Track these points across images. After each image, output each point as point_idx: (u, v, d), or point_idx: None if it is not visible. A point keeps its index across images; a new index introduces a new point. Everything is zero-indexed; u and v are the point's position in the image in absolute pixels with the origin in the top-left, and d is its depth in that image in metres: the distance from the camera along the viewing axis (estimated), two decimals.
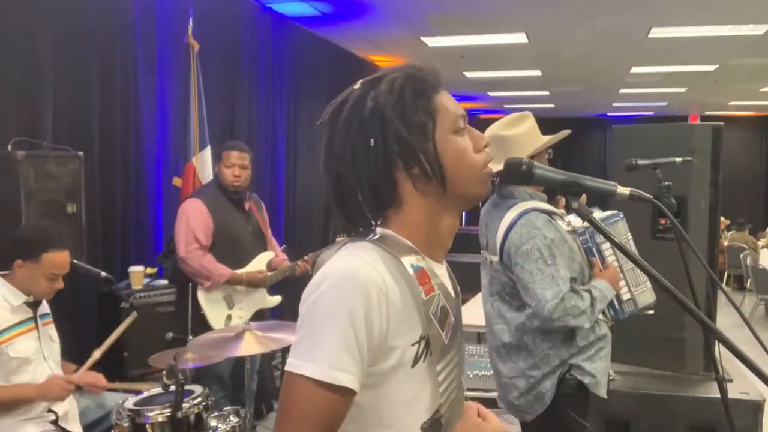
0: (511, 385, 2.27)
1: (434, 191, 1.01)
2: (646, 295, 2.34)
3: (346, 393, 0.91)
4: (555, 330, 2.15)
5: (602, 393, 2.23)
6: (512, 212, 2.18)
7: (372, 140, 0.98)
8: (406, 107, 0.99)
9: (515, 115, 2.33)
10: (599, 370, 2.21)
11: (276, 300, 3.51)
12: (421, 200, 1.02)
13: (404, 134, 0.98)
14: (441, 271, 1.06)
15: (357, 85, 1.04)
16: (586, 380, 2.18)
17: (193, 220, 3.16)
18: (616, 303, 2.29)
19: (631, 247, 2.34)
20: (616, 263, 2.28)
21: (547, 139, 2.30)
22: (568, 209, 2.33)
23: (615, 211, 2.39)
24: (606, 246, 2.29)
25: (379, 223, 1.05)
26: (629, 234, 2.39)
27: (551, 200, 2.37)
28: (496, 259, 2.23)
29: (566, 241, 2.18)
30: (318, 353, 0.90)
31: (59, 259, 2.43)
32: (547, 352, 2.19)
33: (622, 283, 2.29)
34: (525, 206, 2.18)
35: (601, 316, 2.26)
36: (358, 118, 1.00)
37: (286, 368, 0.93)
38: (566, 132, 2.36)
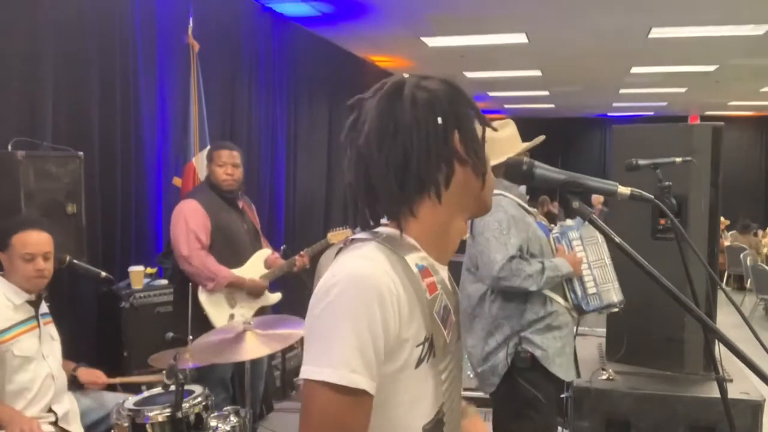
0: (472, 355, 2.51)
1: (473, 184, 1.04)
2: (611, 294, 2.53)
3: (365, 395, 0.90)
4: (509, 298, 2.40)
5: (557, 372, 2.43)
6: None
7: (440, 118, 1.00)
8: (470, 104, 1.04)
9: (501, 122, 2.57)
10: (551, 347, 2.42)
11: (276, 297, 3.52)
12: (462, 188, 1.03)
13: (481, 116, 1.04)
14: (443, 272, 1.06)
15: (406, 75, 1.05)
16: (537, 353, 2.40)
17: (191, 221, 3.16)
18: (578, 289, 2.50)
19: (604, 248, 2.56)
20: (585, 260, 2.51)
21: (526, 144, 2.55)
22: (567, 211, 2.41)
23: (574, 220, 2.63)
24: (576, 242, 2.53)
25: (389, 221, 1.04)
26: (599, 236, 2.57)
27: (533, 201, 2.55)
28: (468, 234, 2.51)
29: (530, 225, 2.45)
30: (335, 358, 0.89)
31: (28, 237, 2.40)
32: (500, 321, 2.44)
33: (589, 276, 2.50)
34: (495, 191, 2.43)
35: (562, 302, 2.48)
36: (422, 97, 1.00)
37: (302, 376, 0.92)
38: (541, 138, 2.63)
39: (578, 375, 2.63)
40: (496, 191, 2.39)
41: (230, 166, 3.28)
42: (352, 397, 0.89)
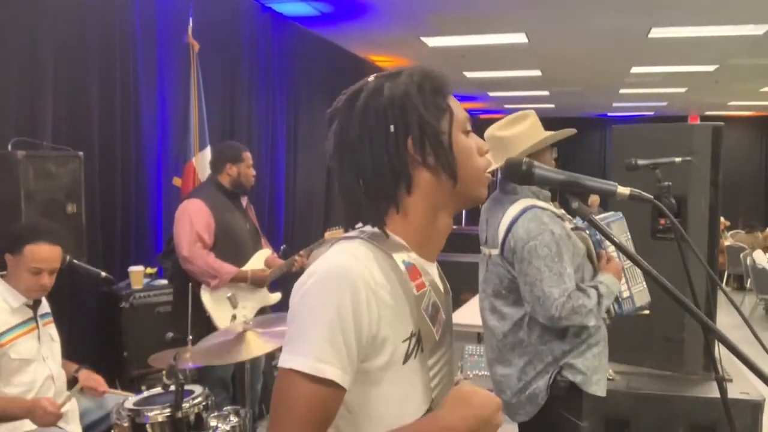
0: (504, 384, 2.27)
1: (442, 184, 1.02)
2: (642, 295, 2.35)
3: (333, 386, 0.91)
4: (553, 327, 2.13)
5: (594, 390, 2.20)
6: (515, 207, 2.18)
7: (392, 126, 1.00)
8: (426, 98, 1.02)
9: (515, 115, 2.32)
10: (591, 368, 2.20)
11: (277, 297, 3.54)
12: (429, 192, 1.03)
13: (427, 119, 1.00)
14: (432, 270, 1.07)
15: (371, 78, 1.06)
16: (578, 379, 2.17)
17: (196, 220, 3.17)
18: (619, 298, 2.29)
19: (630, 246, 2.32)
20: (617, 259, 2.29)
21: (545, 135, 2.28)
22: (567, 211, 2.32)
23: (614, 212, 2.40)
24: (607, 243, 2.28)
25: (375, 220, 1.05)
26: (628, 234, 2.40)
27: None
28: (495, 252, 2.22)
29: (570, 237, 2.18)
30: (305, 346, 0.91)
31: (40, 251, 2.38)
32: (540, 347, 2.18)
33: (622, 280, 2.28)
34: (528, 202, 2.18)
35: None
36: (375, 106, 1.01)
37: (278, 364, 0.95)
38: (569, 131, 2.34)
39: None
40: (530, 202, 2.18)
41: (251, 166, 3.41)
42: (320, 386, 0.90)
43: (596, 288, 2.12)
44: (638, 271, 2.35)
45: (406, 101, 1.00)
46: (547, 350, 2.18)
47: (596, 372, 2.23)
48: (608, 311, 2.27)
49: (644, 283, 2.36)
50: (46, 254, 2.40)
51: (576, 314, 2.05)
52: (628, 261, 2.28)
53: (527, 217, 2.12)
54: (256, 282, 3.35)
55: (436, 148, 1.01)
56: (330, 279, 0.93)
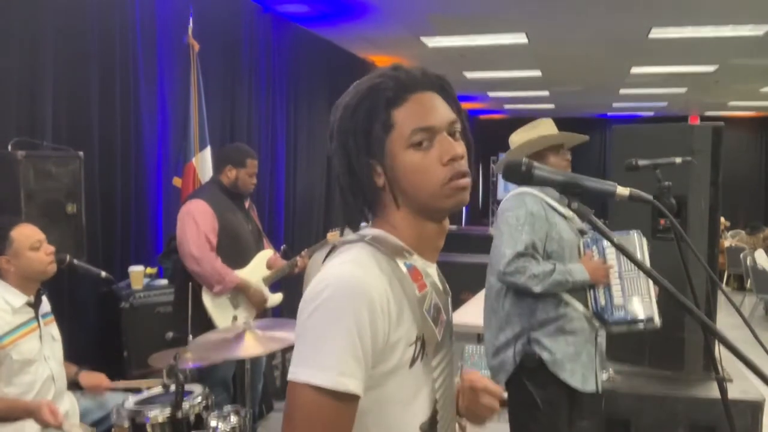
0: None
1: (389, 200, 1.03)
2: (642, 307, 2.32)
3: (353, 399, 0.91)
4: (521, 295, 2.34)
5: (565, 377, 2.32)
6: (510, 193, 2.48)
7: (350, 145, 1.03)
8: (357, 126, 1.01)
9: (535, 121, 2.53)
10: (560, 351, 2.33)
11: (278, 298, 3.53)
12: (393, 209, 1.03)
13: (353, 163, 1.01)
14: (432, 271, 1.07)
15: (351, 89, 1.06)
16: (544, 355, 2.33)
17: (201, 221, 3.17)
18: (603, 298, 2.35)
19: (645, 261, 2.34)
20: (615, 268, 2.35)
21: (536, 136, 2.42)
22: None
23: (632, 231, 2.44)
24: (610, 251, 2.36)
25: (371, 223, 1.06)
26: (645, 249, 2.39)
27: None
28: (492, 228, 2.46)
29: (555, 224, 2.36)
30: (324, 360, 0.90)
31: (26, 229, 2.44)
32: (512, 317, 2.39)
33: (617, 285, 2.34)
34: (524, 189, 2.40)
35: (580, 308, 2.36)
36: (337, 128, 1.04)
37: (289, 377, 0.92)
38: (567, 135, 2.47)
39: (597, 388, 2.42)
40: (526, 189, 2.38)
41: (254, 175, 3.39)
42: (338, 400, 0.89)
43: (554, 264, 2.31)
44: (644, 284, 2.33)
45: (339, 133, 1.04)
46: (517, 320, 2.38)
47: (571, 361, 2.33)
48: (586, 306, 2.37)
49: (648, 298, 2.32)
50: (31, 230, 2.45)
51: (518, 273, 2.27)
52: (632, 271, 2.35)
53: (513, 196, 2.42)
54: (253, 299, 3.34)
55: (363, 172, 1.01)
56: (344, 291, 0.92)
